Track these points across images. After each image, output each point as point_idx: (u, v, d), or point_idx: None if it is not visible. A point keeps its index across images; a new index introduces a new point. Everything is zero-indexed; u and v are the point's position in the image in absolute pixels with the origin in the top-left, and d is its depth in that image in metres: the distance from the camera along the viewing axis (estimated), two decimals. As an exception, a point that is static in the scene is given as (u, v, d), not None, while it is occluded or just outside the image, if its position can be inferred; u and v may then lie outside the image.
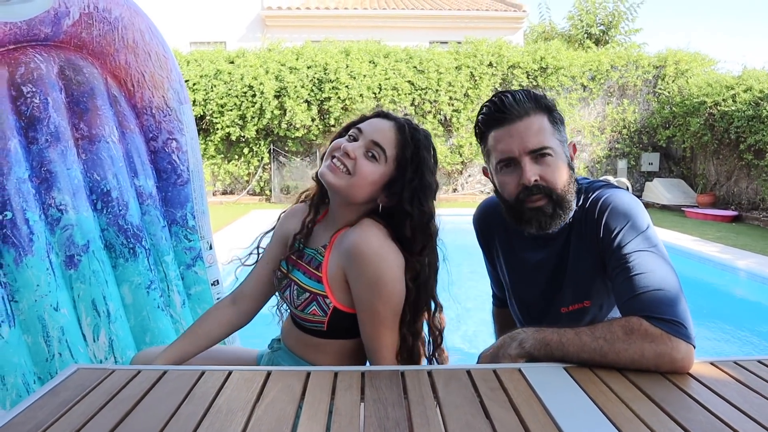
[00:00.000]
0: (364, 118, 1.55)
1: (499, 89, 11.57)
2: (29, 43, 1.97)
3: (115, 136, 2.13)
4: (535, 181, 1.46)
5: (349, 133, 1.51)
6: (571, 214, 1.53)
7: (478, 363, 1.40)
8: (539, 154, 1.46)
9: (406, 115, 1.57)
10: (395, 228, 1.46)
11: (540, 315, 1.63)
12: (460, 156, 11.75)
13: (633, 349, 1.26)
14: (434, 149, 1.54)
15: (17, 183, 1.83)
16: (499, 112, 1.49)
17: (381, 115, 1.54)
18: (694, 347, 1.27)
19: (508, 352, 1.34)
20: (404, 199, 1.46)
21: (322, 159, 1.60)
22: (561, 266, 1.57)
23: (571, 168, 1.52)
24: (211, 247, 2.43)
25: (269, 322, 1.80)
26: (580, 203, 1.54)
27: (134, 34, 2.19)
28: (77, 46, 2.10)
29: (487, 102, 1.55)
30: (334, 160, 1.46)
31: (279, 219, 1.75)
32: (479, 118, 1.56)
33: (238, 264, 1.83)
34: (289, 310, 1.64)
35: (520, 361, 1.35)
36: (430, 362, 1.56)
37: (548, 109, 1.50)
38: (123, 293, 2.11)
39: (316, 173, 1.58)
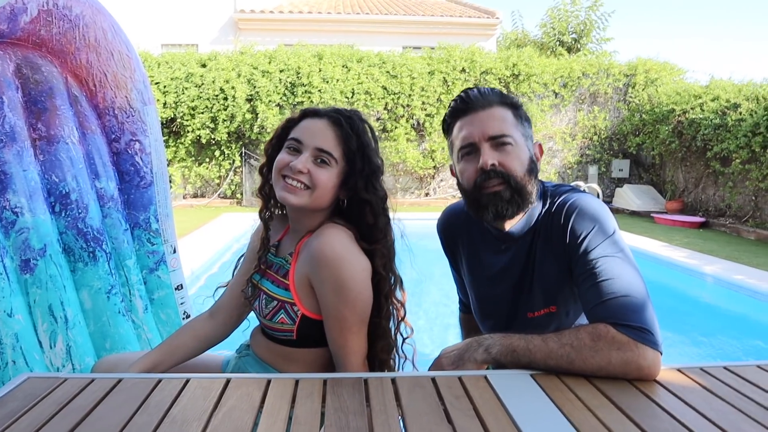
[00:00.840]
0: (292, 123, 1.51)
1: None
2: (-16, 40, 1.90)
3: (75, 136, 2.07)
4: (492, 165, 1.45)
5: (287, 145, 1.46)
6: (535, 212, 1.54)
7: (439, 359, 1.38)
8: (499, 142, 1.47)
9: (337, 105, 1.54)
10: (356, 218, 1.45)
11: (506, 321, 1.61)
12: (433, 160, 11.77)
13: (600, 356, 1.24)
14: (370, 127, 1.52)
15: (-30, 184, 1.76)
16: (464, 103, 1.52)
17: (310, 114, 1.50)
18: (661, 354, 1.26)
19: (474, 357, 1.32)
20: (359, 189, 1.44)
21: (260, 171, 1.59)
22: (527, 271, 1.56)
23: (533, 164, 1.52)
24: (175, 251, 2.38)
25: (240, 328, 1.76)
26: (546, 207, 1.53)
27: (96, 33, 2.13)
28: (36, 43, 2.04)
29: (455, 97, 1.57)
30: (288, 180, 1.42)
31: (251, 237, 1.72)
32: (446, 112, 1.58)
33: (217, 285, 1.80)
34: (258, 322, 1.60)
35: (485, 367, 1.33)
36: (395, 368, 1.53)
37: (513, 106, 1.53)
38: (82, 298, 2.04)
39: (260, 188, 1.60)
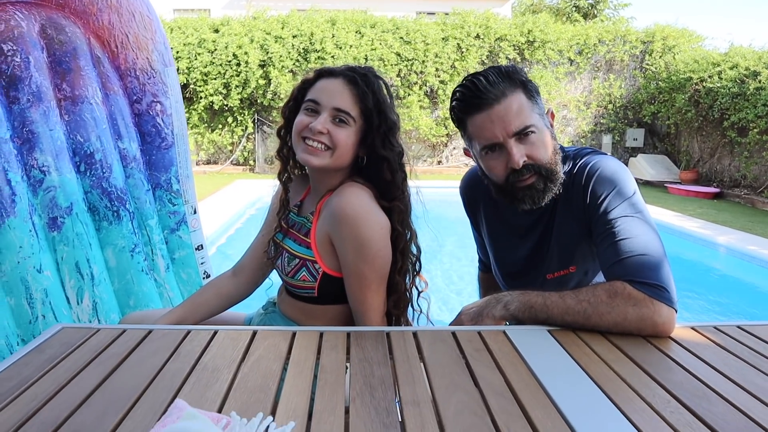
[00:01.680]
0: (307, 84, 1.52)
1: (486, 62, 11.54)
2: (9, 1, 1.92)
3: (98, 97, 2.10)
4: (524, 162, 1.45)
5: (305, 107, 1.48)
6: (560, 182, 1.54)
7: (459, 316, 1.42)
8: (523, 134, 1.45)
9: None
10: (375, 175, 1.47)
11: (525, 281, 1.64)
12: (446, 128, 11.72)
13: (616, 312, 1.27)
14: (385, 83, 1.52)
15: (-2, 143, 1.80)
16: (476, 98, 1.46)
17: (325, 74, 1.50)
18: (676, 311, 1.29)
19: (493, 313, 1.35)
20: (377, 146, 1.46)
21: (278, 134, 1.60)
22: (547, 232, 1.59)
23: (552, 136, 1.52)
24: (195, 212, 2.42)
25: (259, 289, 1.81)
26: (567, 170, 1.54)
27: (118, -6, 2.14)
28: (59, 4, 2.06)
29: (459, 87, 1.51)
30: (309, 141, 1.44)
31: (272, 199, 1.75)
32: (454, 104, 1.53)
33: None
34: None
35: (503, 322, 1.36)
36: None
37: (522, 84, 1.47)
38: (107, 256, 2.09)
39: (278, 151, 1.60)
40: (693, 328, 1.35)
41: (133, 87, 2.24)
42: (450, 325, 1.44)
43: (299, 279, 1.49)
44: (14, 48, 1.88)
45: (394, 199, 1.47)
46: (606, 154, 1.55)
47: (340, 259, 1.44)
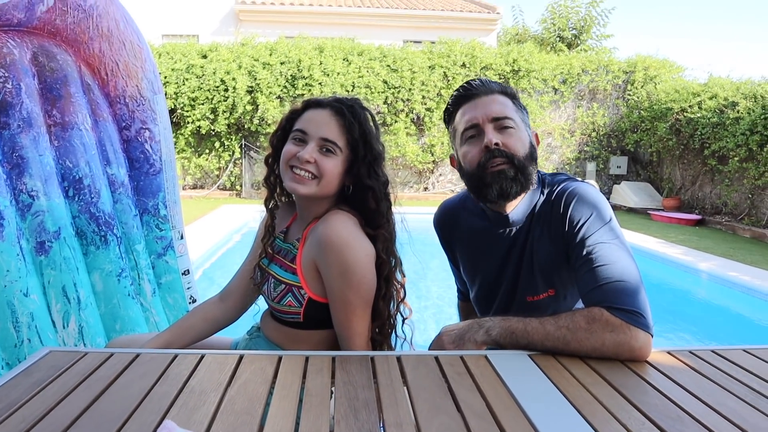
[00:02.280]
0: (296, 114, 1.58)
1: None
2: (1, 28, 1.96)
3: (88, 123, 2.13)
4: (496, 144, 1.53)
5: (293, 136, 1.53)
6: (534, 198, 1.61)
7: (440, 337, 1.45)
8: (502, 124, 1.55)
9: (334, 93, 1.61)
10: (360, 204, 1.52)
11: (506, 305, 1.68)
12: (432, 155, 11.82)
13: (594, 338, 1.31)
14: (371, 114, 1.58)
15: (-12, 168, 1.82)
16: (467, 91, 1.61)
17: (313, 105, 1.56)
18: (652, 336, 1.33)
19: (475, 338, 1.38)
20: (363, 175, 1.51)
21: (266, 162, 1.64)
22: (524, 255, 1.63)
23: (533, 148, 1.60)
24: (182, 237, 2.43)
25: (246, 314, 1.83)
26: (545, 196, 1.61)
27: (109, 23, 2.19)
28: (51, 32, 2.09)
29: (458, 88, 1.66)
30: (296, 170, 1.48)
31: (259, 225, 1.79)
32: (449, 101, 1.67)
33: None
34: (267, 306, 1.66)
35: (484, 347, 1.39)
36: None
37: (512, 96, 1.62)
38: (93, 280, 2.10)
39: (265, 178, 1.64)
40: (669, 353, 1.38)
41: (122, 114, 2.27)
42: (430, 346, 1.47)
43: (285, 304, 1.52)
44: (6, 75, 1.91)
45: (378, 227, 1.51)
46: (580, 180, 1.61)
47: (325, 285, 1.47)
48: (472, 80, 1.63)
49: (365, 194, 1.52)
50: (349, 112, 1.51)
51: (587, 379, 1.22)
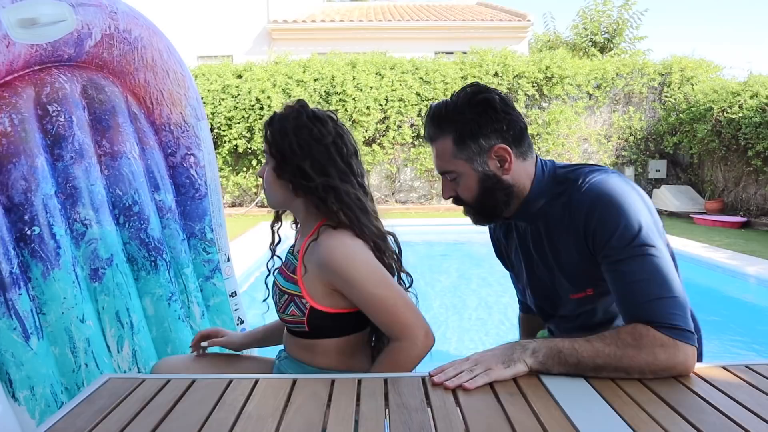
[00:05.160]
0: None
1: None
2: (54, 64, 2.04)
3: (135, 152, 2.19)
4: (449, 197, 1.60)
5: None
6: (536, 198, 1.57)
7: (486, 360, 1.35)
8: (448, 177, 1.58)
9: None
10: (327, 208, 1.57)
11: (553, 304, 1.69)
12: (467, 165, 11.79)
13: (645, 354, 1.29)
14: (315, 116, 1.61)
15: (44, 199, 1.89)
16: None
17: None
18: (696, 347, 1.32)
19: (524, 359, 1.34)
20: (298, 177, 1.58)
21: None
22: (549, 258, 1.61)
23: (488, 179, 1.54)
24: (228, 260, 2.48)
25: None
26: (561, 197, 1.54)
27: (153, 54, 2.25)
28: (99, 65, 2.17)
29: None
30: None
31: None
32: None
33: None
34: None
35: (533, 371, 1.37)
36: None
37: (455, 128, 1.52)
38: (145, 305, 2.16)
39: None
40: (724, 368, 1.36)
41: (167, 141, 2.33)
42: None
43: (289, 314, 1.59)
44: (59, 108, 1.99)
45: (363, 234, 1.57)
46: (607, 170, 1.53)
47: (355, 300, 1.52)
48: (429, 110, 1.58)
49: (324, 199, 1.57)
50: (277, 121, 1.61)
51: (641, 396, 1.21)
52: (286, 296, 1.60)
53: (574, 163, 1.64)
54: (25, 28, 1.83)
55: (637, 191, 1.47)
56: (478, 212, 1.60)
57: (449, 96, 1.57)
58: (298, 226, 1.74)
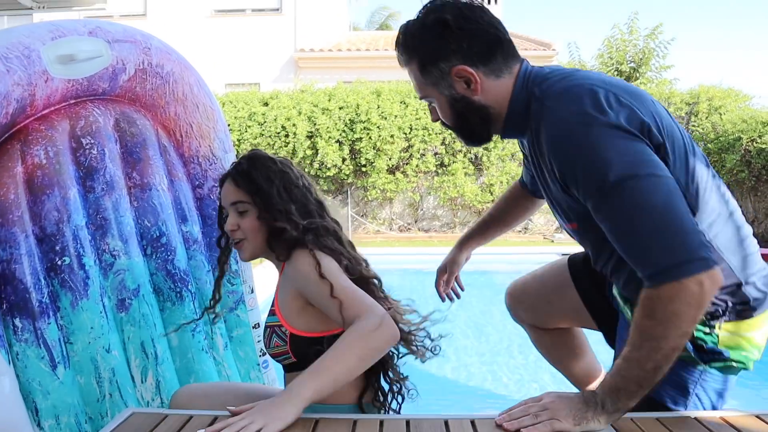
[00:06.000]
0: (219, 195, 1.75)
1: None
2: (88, 98, 2.09)
3: (164, 184, 2.23)
4: (435, 120, 1.56)
5: (223, 216, 1.75)
6: (516, 118, 1.46)
7: (553, 415, 1.25)
8: (427, 102, 1.54)
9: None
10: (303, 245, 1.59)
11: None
12: (491, 194, 11.76)
13: (669, 319, 1.20)
14: (281, 162, 1.70)
15: (75, 230, 1.93)
16: None
17: (222, 181, 1.73)
18: (710, 266, 1.20)
19: (598, 418, 1.25)
20: (275, 214, 1.61)
21: (218, 243, 1.88)
22: (544, 183, 1.52)
23: (458, 102, 1.46)
24: (252, 291, 2.50)
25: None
26: (530, 123, 1.43)
27: (184, 88, 2.30)
28: (131, 99, 2.22)
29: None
30: (232, 241, 1.71)
31: None
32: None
33: None
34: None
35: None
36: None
37: (416, 56, 1.47)
38: (169, 336, 2.18)
39: (218, 259, 1.92)
40: (758, 417, 1.33)
41: (195, 173, 2.37)
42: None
43: (273, 346, 1.61)
44: (92, 141, 2.03)
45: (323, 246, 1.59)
46: (578, 83, 1.36)
47: (318, 304, 1.52)
48: (400, 30, 1.50)
49: (283, 228, 1.60)
50: (240, 171, 1.66)
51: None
52: (269, 330, 1.63)
53: (554, 68, 1.49)
54: (64, 63, 1.89)
55: (608, 109, 1.28)
56: (460, 135, 1.56)
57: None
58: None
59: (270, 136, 11.37)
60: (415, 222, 12.20)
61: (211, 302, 1.90)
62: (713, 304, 1.35)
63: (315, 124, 11.29)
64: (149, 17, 15.82)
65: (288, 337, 1.57)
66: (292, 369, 1.62)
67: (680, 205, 1.24)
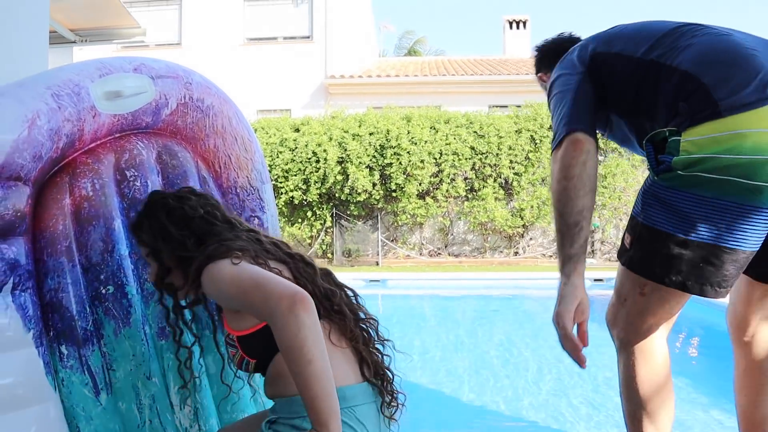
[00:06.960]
0: None
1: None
2: (132, 132, 2.17)
3: (203, 214, 2.29)
4: None
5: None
6: None
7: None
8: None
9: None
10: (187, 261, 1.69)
11: None
12: (522, 219, 11.73)
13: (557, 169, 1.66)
14: (178, 197, 1.82)
15: (119, 259, 1.99)
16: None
17: None
18: (571, 131, 1.64)
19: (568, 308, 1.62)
20: (166, 252, 1.74)
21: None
22: None
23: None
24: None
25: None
26: None
27: (223, 120, 2.38)
28: (173, 132, 2.30)
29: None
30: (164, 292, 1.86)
31: None
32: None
33: None
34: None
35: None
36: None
37: (539, 63, 2.25)
38: (207, 363, 2.22)
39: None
40: None
41: (233, 203, 2.43)
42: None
43: (230, 355, 1.67)
44: (136, 174, 2.11)
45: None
46: None
47: (234, 304, 1.57)
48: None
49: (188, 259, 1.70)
50: (133, 224, 1.83)
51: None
52: (225, 345, 1.71)
53: None
54: (110, 100, 1.97)
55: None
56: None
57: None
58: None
59: (301, 162, 11.53)
60: (445, 247, 12.20)
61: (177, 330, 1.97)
62: None
63: (345, 150, 11.43)
64: (184, 46, 16.24)
65: (237, 341, 1.61)
66: (258, 370, 1.65)
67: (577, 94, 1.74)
